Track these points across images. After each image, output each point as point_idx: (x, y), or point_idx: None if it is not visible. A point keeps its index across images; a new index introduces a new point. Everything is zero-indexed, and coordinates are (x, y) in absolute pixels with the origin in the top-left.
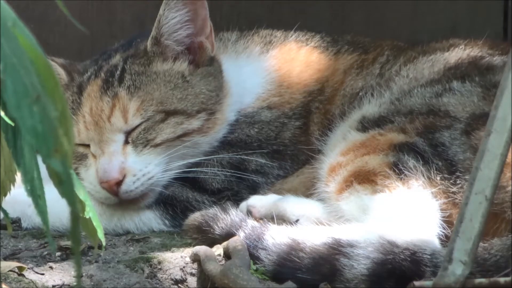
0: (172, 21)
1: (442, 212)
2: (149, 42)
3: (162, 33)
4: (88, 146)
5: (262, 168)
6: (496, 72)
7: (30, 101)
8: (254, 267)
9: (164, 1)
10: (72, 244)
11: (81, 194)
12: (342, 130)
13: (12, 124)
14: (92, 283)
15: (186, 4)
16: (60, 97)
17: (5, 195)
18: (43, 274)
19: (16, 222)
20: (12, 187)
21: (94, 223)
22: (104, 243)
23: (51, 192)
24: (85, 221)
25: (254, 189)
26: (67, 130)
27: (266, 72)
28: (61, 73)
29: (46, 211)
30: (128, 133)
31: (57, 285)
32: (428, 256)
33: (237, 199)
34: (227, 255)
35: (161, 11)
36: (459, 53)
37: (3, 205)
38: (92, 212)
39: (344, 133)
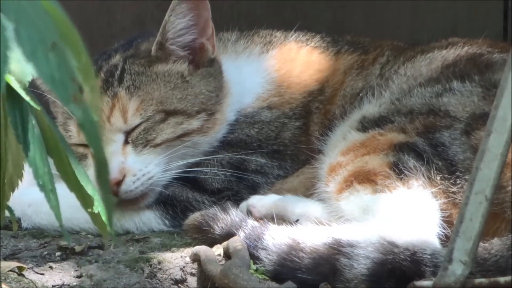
0: (178, 27)
1: (442, 212)
2: (153, 48)
3: (168, 39)
4: (88, 146)
5: (262, 168)
6: (496, 70)
7: (45, 48)
8: (254, 267)
9: (170, 7)
10: (102, 193)
11: (89, 188)
12: (342, 130)
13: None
14: (92, 283)
15: (191, 9)
16: (82, 50)
17: (13, 190)
18: (43, 274)
19: (16, 222)
20: (20, 182)
21: (103, 218)
22: (115, 238)
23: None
24: (95, 215)
25: (254, 189)
26: (89, 79)
27: (266, 72)
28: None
29: (58, 205)
30: (128, 133)
31: (57, 285)
32: (428, 256)
33: (237, 199)
34: (227, 255)
35: (166, 17)
36: (458, 50)
37: None
38: (101, 206)
39: (344, 133)
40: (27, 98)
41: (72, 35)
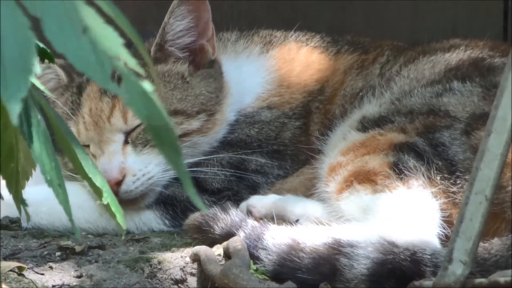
0: (177, 28)
1: (442, 212)
2: (153, 49)
3: (167, 40)
4: (88, 146)
5: (262, 168)
6: (497, 73)
7: (77, 33)
8: (254, 267)
9: (169, 9)
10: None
11: (98, 180)
12: (342, 130)
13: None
14: (92, 283)
15: (191, 11)
16: (129, 27)
17: (27, 179)
18: (43, 274)
19: (16, 222)
20: (33, 171)
21: (113, 208)
22: (124, 227)
23: (51, 192)
24: (105, 206)
25: (254, 189)
26: (142, 53)
27: (266, 72)
28: (61, 74)
29: (67, 200)
30: (128, 133)
31: (57, 285)
32: (428, 256)
33: (237, 199)
34: (227, 255)
35: (166, 19)
36: (460, 54)
37: (4, 205)
38: (110, 197)
39: (344, 133)
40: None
41: (116, 15)
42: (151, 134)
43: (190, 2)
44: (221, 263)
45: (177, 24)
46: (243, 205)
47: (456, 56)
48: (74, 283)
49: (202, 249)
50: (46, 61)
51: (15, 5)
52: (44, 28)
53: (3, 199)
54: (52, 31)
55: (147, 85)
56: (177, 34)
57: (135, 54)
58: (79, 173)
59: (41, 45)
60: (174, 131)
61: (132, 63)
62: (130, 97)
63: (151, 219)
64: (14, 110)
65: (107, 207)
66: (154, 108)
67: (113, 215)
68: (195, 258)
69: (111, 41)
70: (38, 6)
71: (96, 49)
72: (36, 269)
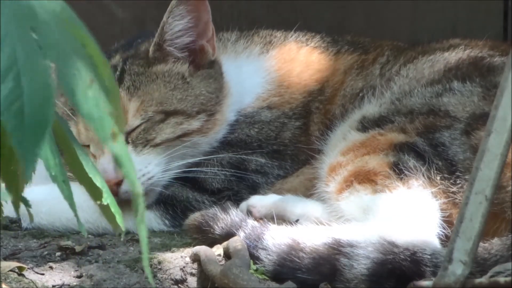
0: (176, 28)
1: (442, 212)
2: (151, 48)
3: (165, 40)
4: (88, 147)
5: (262, 168)
6: (497, 73)
7: (85, 86)
8: (254, 267)
9: (168, 9)
10: None
11: (98, 181)
12: (342, 130)
13: None
14: (92, 283)
15: (190, 11)
16: (109, 75)
17: (26, 182)
18: (43, 274)
19: (16, 222)
20: (33, 174)
21: (112, 209)
22: (123, 229)
23: (51, 192)
24: (104, 207)
25: (254, 189)
26: (116, 106)
27: (266, 72)
28: None
29: (72, 196)
30: (128, 134)
31: (57, 285)
32: (428, 256)
33: (237, 199)
34: (227, 255)
35: (165, 19)
36: (460, 53)
37: (4, 205)
38: (110, 198)
39: (344, 133)
40: None
41: (101, 63)
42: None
43: (189, 2)
44: (221, 263)
45: (175, 24)
46: (243, 205)
47: (456, 55)
48: (74, 283)
49: (202, 249)
50: None
51: (36, 47)
52: (57, 75)
53: (6, 202)
54: (64, 81)
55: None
56: (176, 34)
57: (135, 54)
58: (74, 174)
59: None
60: (142, 198)
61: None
62: (119, 156)
63: (151, 219)
64: (30, 167)
65: (106, 207)
66: (134, 175)
67: (112, 217)
68: (195, 258)
69: (104, 98)
70: (55, 52)
71: (99, 104)
72: (36, 269)
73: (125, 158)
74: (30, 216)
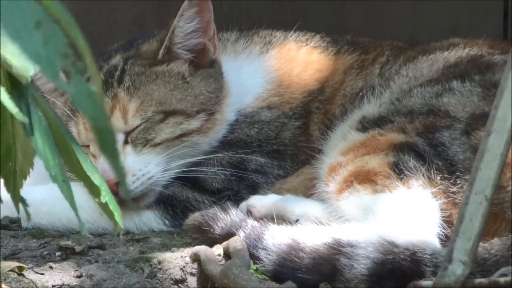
0: (187, 31)
1: (442, 212)
2: (161, 52)
3: (176, 43)
4: (88, 147)
5: (262, 167)
6: (496, 70)
7: (30, 26)
8: (254, 267)
9: (179, 12)
10: None
11: (97, 179)
12: (342, 130)
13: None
14: (92, 283)
15: (198, 12)
16: (74, 27)
17: (25, 178)
18: (43, 274)
19: (16, 222)
20: (31, 170)
21: (111, 207)
22: (122, 226)
23: (51, 192)
24: (103, 205)
25: (254, 189)
26: (86, 55)
27: (265, 72)
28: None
29: (72, 195)
30: (127, 133)
31: (57, 285)
32: (428, 256)
33: (237, 199)
34: (227, 255)
35: (175, 22)
36: (459, 52)
37: (4, 205)
38: (108, 196)
39: (344, 133)
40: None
41: (62, 15)
42: (94, 134)
43: (198, 3)
44: (221, 263)
45: (187, 27)
46: (243, 205)
47: (455, 54)
48: (74, 283)
49: (202, 249)
50: None
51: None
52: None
53: (2, 203)
54: (6, 24)
55: (94, 86)
56: (186, 36)
57: (137, 54)
58: (72, 172)
59: None
60: (115, 135)
61: (80, 64)
62: (77, 95)
63: (151, 219)
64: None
65: (105, 206)
66: (99, 110)
67: (111, 214)
68: (195, 258)
69: (59, 39)
70: None
71: (48, 44)
72: (36, 269)
73: (83, 95)
74: (28, 215)
